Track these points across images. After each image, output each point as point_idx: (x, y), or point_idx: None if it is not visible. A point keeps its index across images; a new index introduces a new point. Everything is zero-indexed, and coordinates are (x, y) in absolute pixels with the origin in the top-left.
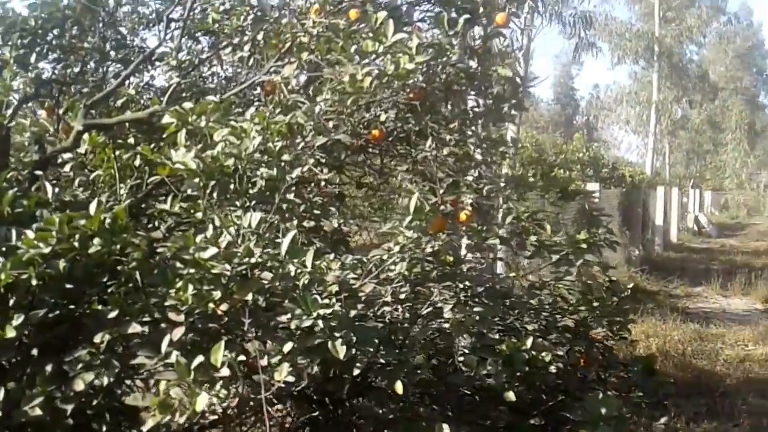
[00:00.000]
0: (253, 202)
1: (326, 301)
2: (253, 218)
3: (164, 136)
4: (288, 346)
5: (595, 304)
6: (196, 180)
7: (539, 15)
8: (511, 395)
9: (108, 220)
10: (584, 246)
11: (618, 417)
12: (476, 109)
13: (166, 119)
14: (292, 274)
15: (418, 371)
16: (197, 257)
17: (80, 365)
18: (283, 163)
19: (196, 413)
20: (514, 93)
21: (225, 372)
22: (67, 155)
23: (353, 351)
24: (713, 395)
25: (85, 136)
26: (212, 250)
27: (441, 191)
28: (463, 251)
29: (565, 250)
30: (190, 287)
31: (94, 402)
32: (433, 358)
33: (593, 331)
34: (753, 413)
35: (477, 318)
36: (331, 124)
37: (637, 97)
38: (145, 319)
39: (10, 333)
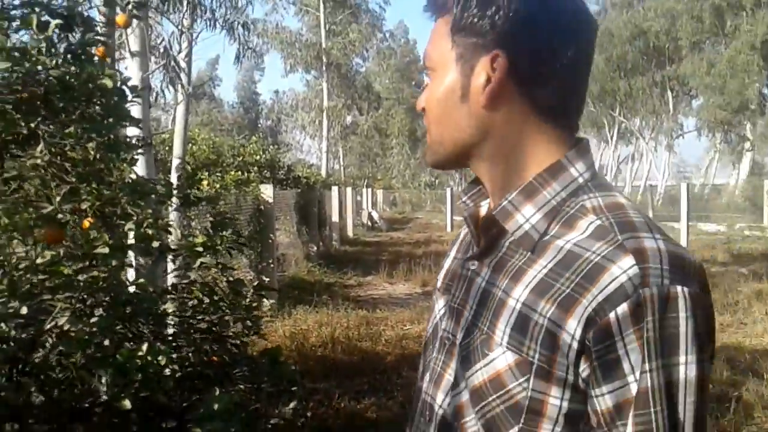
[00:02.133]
0: None
1: None
2: None
3: None
4: None
5: (223, 304)
6: None
7: (202, 19)
8: (126, 403)
9: None
10: (200, 249)
11: (229, 410)
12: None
13: None
14: None
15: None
16: None
17: None
18: None
19: None
20: (118, 102)
21: None
22: None
23: None
24: (374, 374)
25: None
26: None
27: (58, 198)
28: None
29: (184, 253)
30: None
31: None
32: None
33: (230, 329)
34: (407, 386)
35: (94, 329)
36: None
37: (310, 103)
38: None
39: None
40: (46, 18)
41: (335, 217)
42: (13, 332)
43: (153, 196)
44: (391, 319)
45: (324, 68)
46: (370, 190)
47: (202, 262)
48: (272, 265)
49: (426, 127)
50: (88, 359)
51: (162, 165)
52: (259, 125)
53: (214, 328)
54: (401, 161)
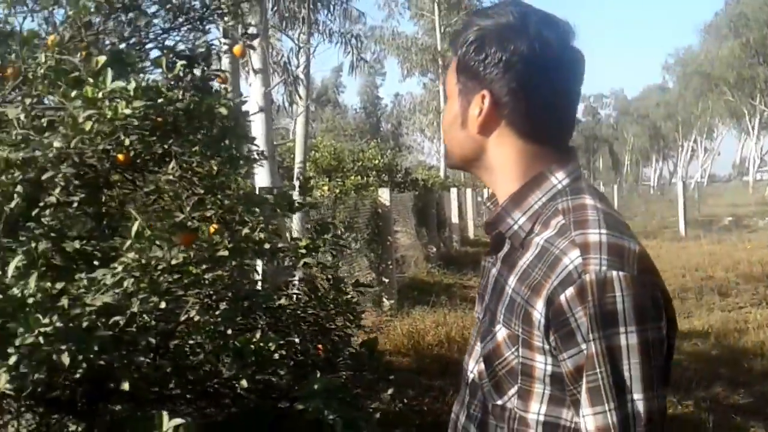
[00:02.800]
0: None
1: (47, 320)
2: None
3: None
4: (13, 359)
5: (327, 299)
6: None
7: (319, 33)
8: (243, 383)
9: None
10: (304, 251)
11: (329, 391)
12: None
13: None
14: (18, 295)
15: (144, 371)
16: None
17: None
18: (16, 194)
19: None
20: (237, 123)
21: None
22: None
23: (79, 357)
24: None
25: None
26: None
27: (188, 208)
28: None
29: (290, 254)
30: None
31: None
32: (172, 358)
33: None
34: None
35: (219, 319)
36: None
37: (428, 106)
38: None
39: None
40: (173, 59)
41: (455, 219)
42: (153, 323)
43: (264, 204)
44: None
45: (439, 71)
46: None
47: (306, 263)
48: (391, 266)
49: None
50: (213, 346)
51: (287, 172)
52: (381, 129)
53: (320, 321)
54: None
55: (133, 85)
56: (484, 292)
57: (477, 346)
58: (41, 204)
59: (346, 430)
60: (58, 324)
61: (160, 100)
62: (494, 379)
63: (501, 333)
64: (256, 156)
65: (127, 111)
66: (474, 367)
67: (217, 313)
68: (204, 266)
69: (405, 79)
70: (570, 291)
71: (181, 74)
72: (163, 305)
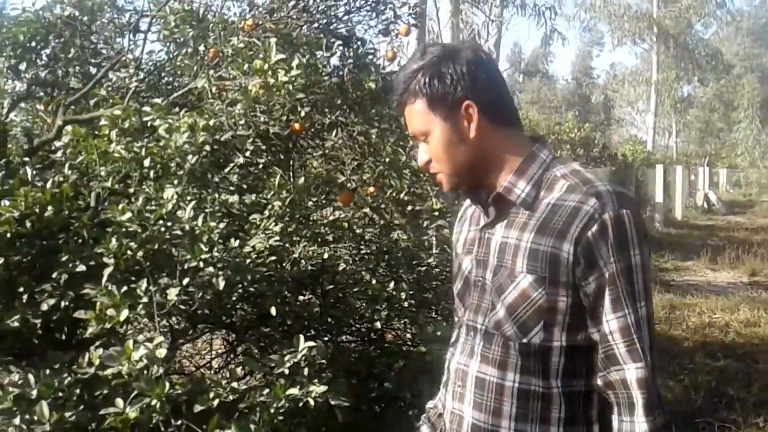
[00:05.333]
0: (184, 182)
1: (206, 249)
2: (168, 192)
3: (99, 133)
4: (186, 281)
5: None
6: (130, 164)
7: (512, 5)
8: (377, 325)
9: (56, 193)
10: (437, 213)
11: (441, 337)
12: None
13: (102, 121)
14: (187, 229)
15: (287, 301)
16: (119, 219)
17: (46, 294)
18: (204, 153)
19: (119, 321)
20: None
21: (145, 299)
22: (59, 144)
23: (237, 282)
24: (665, 356)
25: (69, 128)
26: (128, 214)
27: (348, 172)
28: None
29: (426, 217)
30: (113, 240)
31: (55, 317)
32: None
33: None
34: (695, 370)
35: (364, 268)
36: (262, 118)
37: (640, 77)
38: (91, 263)
39: None
40: (332, 40)
41: (658, 198)
42: (310, 267)
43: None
44: (701, 306)
45: (654, 39)
46: (707, 168)
47: (439, 225)
48: None
49: (435, 171)
50: (357, 291)
51: None
52: (591, 101)
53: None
54: (749, 136)
55: (296, 61)
56: (485, 258)
57: (485, 302)
58: (231, 164)
59: None
60: (218, 254)
61: (314, 77)
62: (519, 321)
63: (526, 280)
64: None
65: (285, 79)
66: (486, 319)
67: (360, 262)
68: (361, 223)
69: (615, 48)
70: (595, 228)
71: (340, 53)
72: (326, 255)
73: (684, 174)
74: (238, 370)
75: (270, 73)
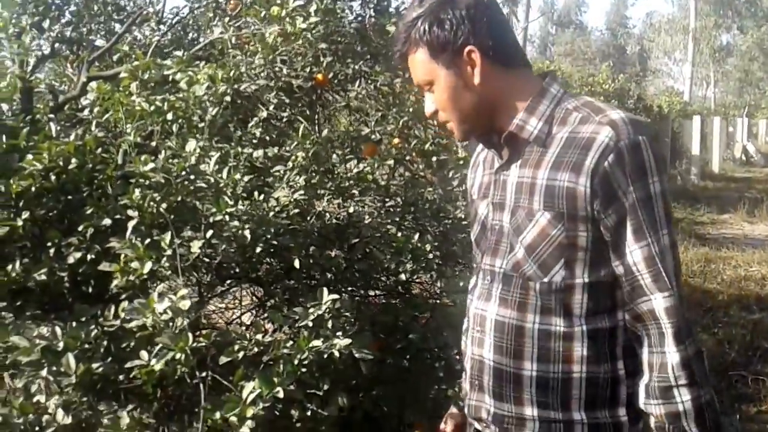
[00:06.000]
0: (205, 134)
1: (231, 202)
2: (190, 144)
3: (121, 86)
4: (209, 233)
5: None
6: (153, 117)
7: None
8: (402, 276)
9: (80, 146)
10: (462, 163)
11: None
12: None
13: (123, 74)
14: (211, 182)
15: (312, 254)
16: (142, 170)
17: (72, 247)
18: (225, 104)
19: (143, 274)
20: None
21: (169, 252)
22: (85, 101)
23: (261, 235)
24: (699, 309)
25: (94, 85)
26: (151, 165)
27: (372, 123)
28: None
29: (452, 167)
30: (137, 191)
31: (81, 270)
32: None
33: None
34: (730, 324)
35: (389, 221)
36: (284, 69)
37: (677, 25)
38: (116, 217)
39: (19, 222)
40: None
41: (695, 150)
42: (335, 221)
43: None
44: (737, 259)
45: None
46: (746, 119)
47: (465, 174)
48: None
49: (444, 120)
50: (383, 244)
51: None
52: (627, 52)
53: None
54: None
55: (314, 7)
56: (502, 200)
57: (503, 245)
58: (255, 118)
59: None
60: (242, 208)
61: (331, 21)
62: (539, 260)
63: (544, 217)
64: None
65: (303, 25)
66: (504, 261)
67: (385, 215)
68: (381, 175)
69: None
70: (611, 157)
71: None
72: (351, 210)
73: (722, 125)
74: (264, 323)
75: (288, 20)
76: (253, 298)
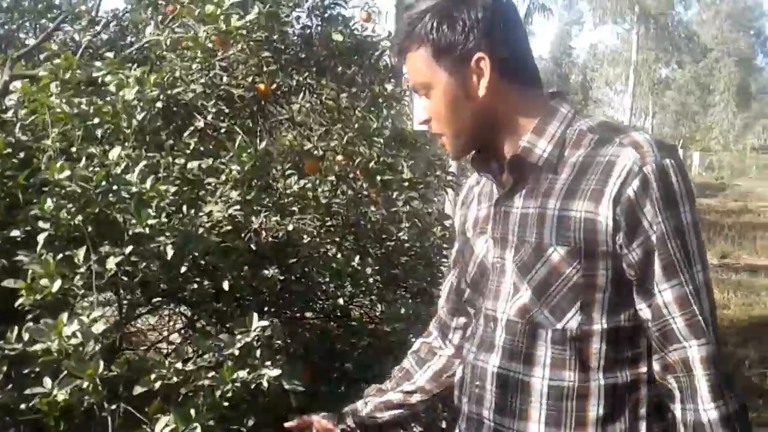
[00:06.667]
0: (131, 140)
1: (155, 215)
2: (114, 152)
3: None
4: (128, 249)
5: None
6: (75, 122)
7: None
8: (340, 301)
9: None
10: (407, 184)
11: (410, 316)
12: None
13: (42, 72)
14: (134, 192)
15: (243, 275)
16: (56, 178)
17: None
18: (156, 110)
19: (51, 292)
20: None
21: (83, 269)
22: (9, 102)
23: (188, 252)
24: None
25: (18, 84)
26: (66, 173)
27: (315, 138)
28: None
29: (396, 188)
30: (49, 201)
31: None
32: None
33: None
34: None
35: (329, 241)
36: (224, 77)
37: (619, 57)
38: (27, 229)
39: None
40: None
41: None
42: (272, 239)
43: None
44: None
45: (635, 18)
46: (681, 151)
47: (410, 196)
48: None
49: (436, 132)
50: (321, 266)
51: None
52: (570, 81)
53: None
54: (724, 120)
55: (257, 9)
56: (504, 235)
57: (505, 287)
58: (191, 127)
59: None
60: (166, 221)
61: (276, 26)
62: (550, 304)
63: (556, 254)
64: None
65: (239, 23)
66: (507, 306)
67: (325, 235)
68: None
69: (596, 27)
70: (636, 183)
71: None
72: (290, 228)
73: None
74: (188, 348)
75: (222, 17)
76: (182, 318)
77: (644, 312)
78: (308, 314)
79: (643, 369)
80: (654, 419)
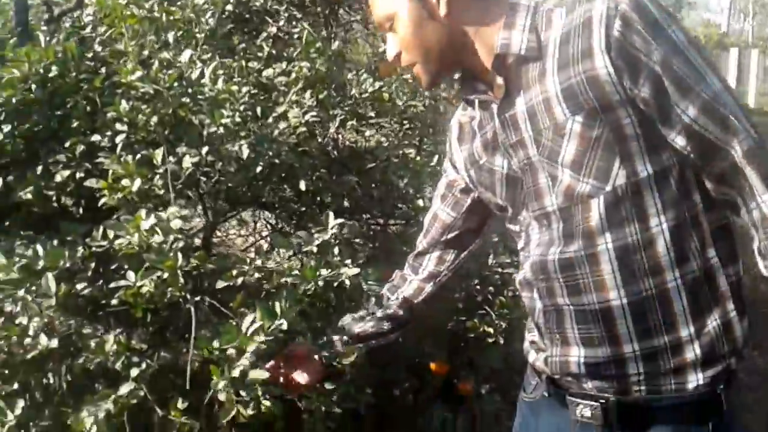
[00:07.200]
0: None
1: (230, 113)
2: (185, 54)
3: None
4: (204, 149)
5: None
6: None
7: None
8: (420, 203)
9: (59, 51)
10: None
11: None
12: None
13: None
14: (207, 93)
15: (322, 177)
16: (129, 80)
17: (60, 165)
18: (226, 13)
19: (131, 191)
20: None
21: (161, 170)
22: (87, 18)
23: (263, 152)
24: None
25: None
26: (138, 74)
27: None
28: None
29: None
30: (124, 102)
31: (69, 189)
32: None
33: None
34: None
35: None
36: None
37: None
38: (107, 133)
39: None
40: None
41: (732, 84)
42: (350, 145)
43: None
44: None
45: None
46: None
47: None
48: None
49: (407, 64)
50: (400, 168)
51: None
52: None
53: None
54: None
55: None
56: (519, 138)
57: (542, 180)
58: (264, 33)
59: None
60: (240, 120)
61: None
62: (592, 170)
63: (576, 123)
64: None
65: None
66: (553, 197)
67: (403, 137)
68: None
69: None
70: (617, 23)
71: None
72: (367, 133)
73: (760, 59)
74: (272, 248)
75: None
76: (267, 226)
77: (679, 140)
78: (391, 220)
79: (697, 199)
80: (719, 241)
